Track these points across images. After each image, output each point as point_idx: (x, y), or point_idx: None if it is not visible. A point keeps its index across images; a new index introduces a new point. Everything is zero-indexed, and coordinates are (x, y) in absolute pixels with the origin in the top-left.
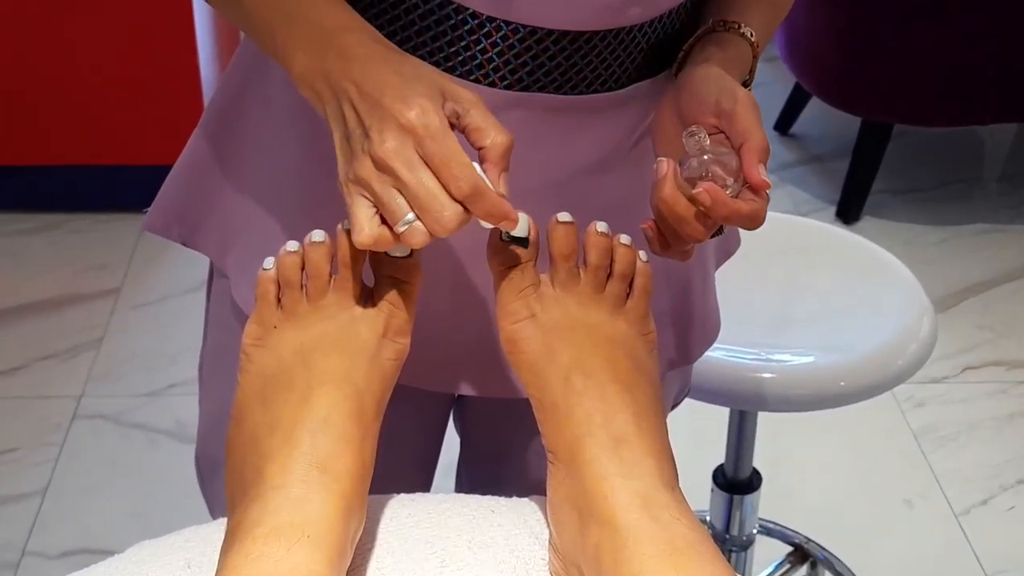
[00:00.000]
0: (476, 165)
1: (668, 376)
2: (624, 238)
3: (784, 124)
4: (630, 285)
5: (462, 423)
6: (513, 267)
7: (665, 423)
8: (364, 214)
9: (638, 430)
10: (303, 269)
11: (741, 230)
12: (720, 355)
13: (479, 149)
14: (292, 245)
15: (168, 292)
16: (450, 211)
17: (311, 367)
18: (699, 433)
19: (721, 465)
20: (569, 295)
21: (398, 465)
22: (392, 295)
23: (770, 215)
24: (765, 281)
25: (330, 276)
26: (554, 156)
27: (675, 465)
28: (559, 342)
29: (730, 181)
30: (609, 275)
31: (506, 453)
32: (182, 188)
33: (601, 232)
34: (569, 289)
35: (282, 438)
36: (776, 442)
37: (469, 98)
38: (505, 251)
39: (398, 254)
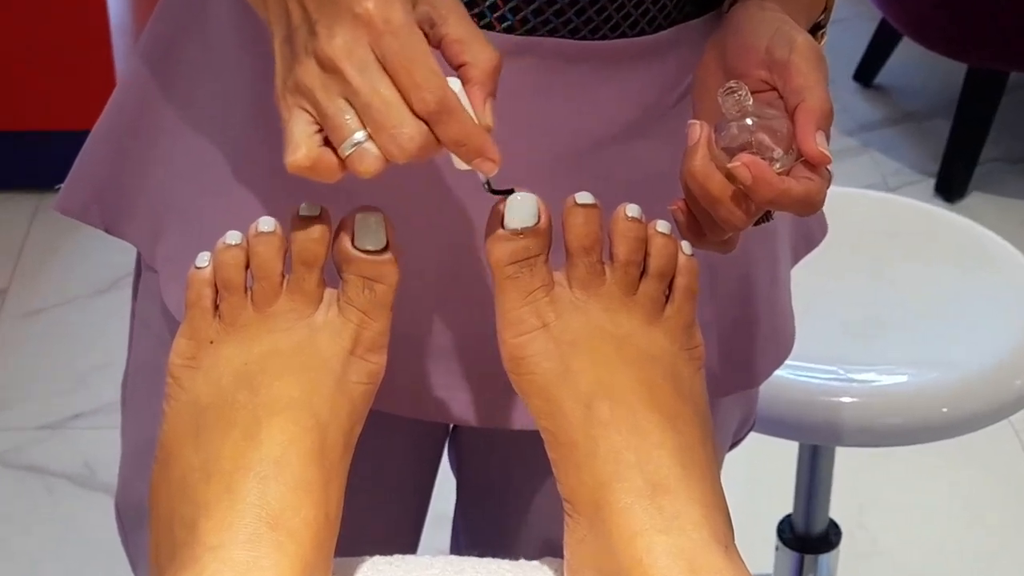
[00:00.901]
0: (455, 81)
1: (725, 404)
2: (662, 225)
3: (867, 73)
4: (670, 286)
5: (458, 461)
6: (519, 263)
7: (717, 463)
8: (302, 130)
9: (682, 472)
10: (247, 267)
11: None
12: (786, 374)
13: (458, 67)
14: (233, 236)
15: (71, 294)
16: (410, 128)
17: (259, 393)
18: (760, 475)
19: (788, 516)
20: (591, 299)
21: (374, 517)
22: (363, 300)
23: (851, 191)
24: (844, 277)
25: (283, 276)
26: (571, 119)
27: (729, 517)
28: (578, 359)
29: (778, 152)
30: (643, 273)
31: (513, 500)
32: (103, 159)
33: (632, 217)
34: (591, 291)
35: (222, 485)
36: (859, 486)
37: (448, 3)
38: (508, 242)
39: (370, 246)
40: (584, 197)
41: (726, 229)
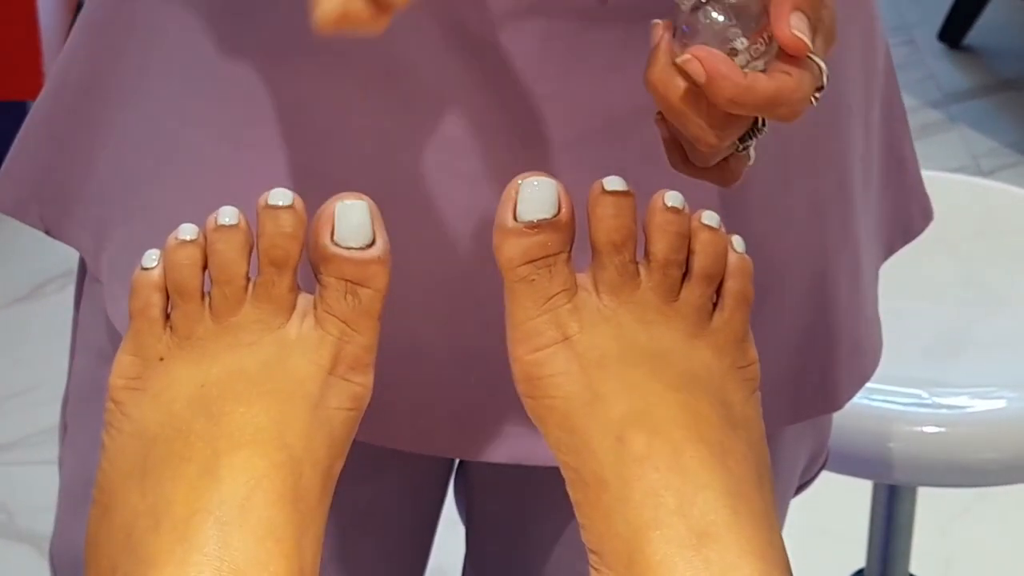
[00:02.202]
0: None
1: (789, 436)
2: (709, 216)
3: (955, 32)
4: (718, 291)
5: (467, 503)
6: (534, 263)
7: (775, 508)
8: None
9: (733, 518)
10: (205, 268)
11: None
12: (858, 398)
13: None
14: (187, 231)
15: None
16: None
17: (219, 422)
18: (826, 521)
19: (861, 571)
20: (623, 306)
21: (362, 571)
22: (344, 309)
23: (936, 175)
24: (927, 280)
25: (248, 279)
26: (597, 89)
27: (791, 572)
28: (607, 381)
29: (741, 42)
30: (685, 275)
31: (532, 551)
32: (42, 144)
33: (672, 207)
34: (623, 297)
35: (174, 534)
36: (946, 535)
37: None
38: (521, 237)
39: (353, 242)
40: (614, 183)
41: (700, 148)
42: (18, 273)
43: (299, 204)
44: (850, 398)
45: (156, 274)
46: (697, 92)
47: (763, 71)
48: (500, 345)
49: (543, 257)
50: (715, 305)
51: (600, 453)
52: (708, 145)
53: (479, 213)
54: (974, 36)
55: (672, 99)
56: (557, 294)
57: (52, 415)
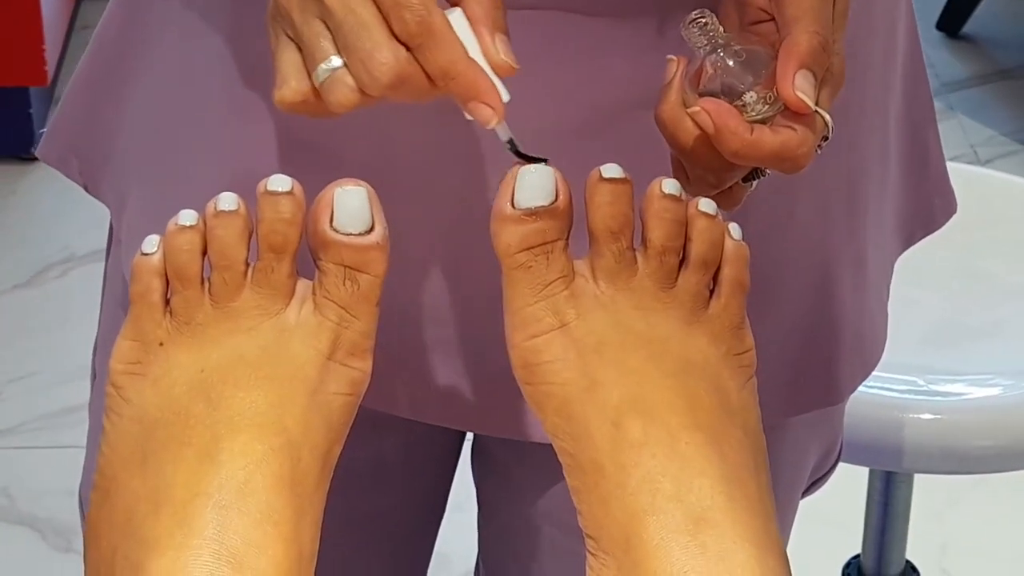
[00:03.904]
0: (458, 12)
1: (798, 431)
2: (705, 204)
3: (953, 21)
4: (714, 278)
5: (479, 479)
6: (532, 250)
7: (770, 494)
8: (289, 60)
9: (729, 503)
10: (204, 254)
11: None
12: None
13: (454, 3)
14: (187, 216)
15: None
16: (384, 53)
17: (218, 407)
18: (822, 508)
19: (857, 557)
20: (620, 293)
21: (363, 558)
22: (343, 294)
23: None
24: (924, 270)
25: (247, 265)
26: (595, 79)
27: (786, 559)
28: (605, 368)
29: (751, 96)
30: (682, 262)
31: (533, 531)
32: (80, 107)
33: (670, 194)
34: (620, 284)
35: (174, 518)
36: (941, 522)
37: None
38: (519, 224)
39: (352, 228)
40: (612, 170)
41: (715, 184)
42: (18, 260)
43: (298, 190)
44: (852, 391)
45: (156, 259)
46: (703, 137)
47: (772, 116)
48: (496, 328)
49: (541, 244)
50: (712, 292)
51: (597, 439)
52: (709, 185)
53: (476, 195)
54: (972, 25)
55: (680, 138)
56: (554, 281)
57: (52, 400)
